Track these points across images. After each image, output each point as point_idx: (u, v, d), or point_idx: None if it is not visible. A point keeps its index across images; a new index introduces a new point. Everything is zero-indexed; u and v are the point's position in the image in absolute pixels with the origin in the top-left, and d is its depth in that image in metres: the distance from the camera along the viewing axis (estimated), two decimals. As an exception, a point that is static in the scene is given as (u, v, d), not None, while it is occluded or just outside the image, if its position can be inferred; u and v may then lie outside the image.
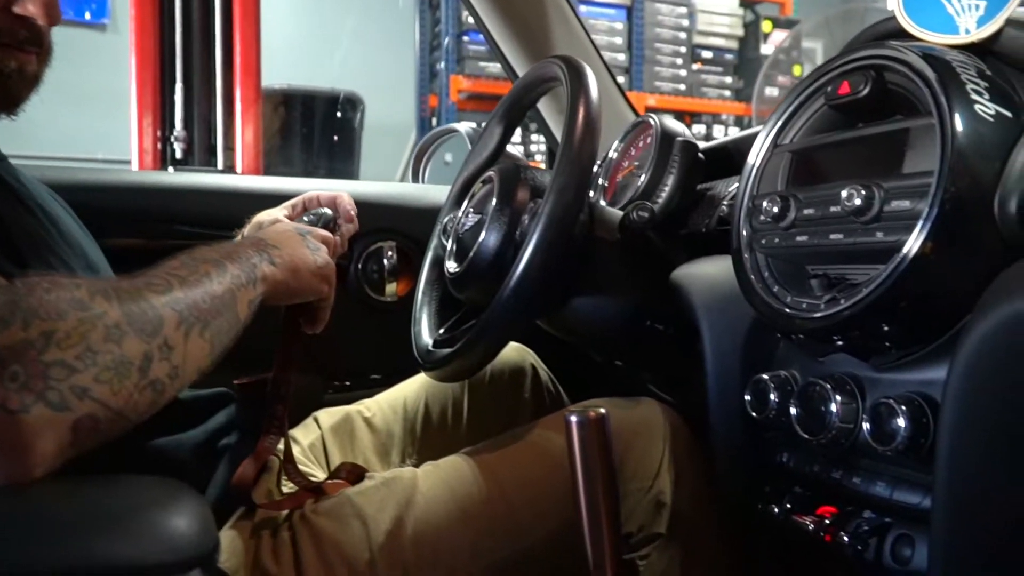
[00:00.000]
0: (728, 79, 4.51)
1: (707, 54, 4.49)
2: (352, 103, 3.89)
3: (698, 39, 4.48)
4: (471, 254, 0.88)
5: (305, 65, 4.22)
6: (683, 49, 4.44)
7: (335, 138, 3.84)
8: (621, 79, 4.23)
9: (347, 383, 1.29)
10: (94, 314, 0.50)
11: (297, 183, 1.32)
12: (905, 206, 0.60)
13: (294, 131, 3.80)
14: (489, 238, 0.87)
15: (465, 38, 4.09)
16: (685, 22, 4.45)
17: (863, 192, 0.62)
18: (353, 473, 0.78)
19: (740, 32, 4.55)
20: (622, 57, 4.30)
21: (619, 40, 4.32)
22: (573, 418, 0.59)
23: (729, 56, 4.53)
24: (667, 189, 0.92)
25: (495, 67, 4.01)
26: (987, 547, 0.56)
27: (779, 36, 4.54)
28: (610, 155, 1.06)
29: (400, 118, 4.50)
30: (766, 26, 4.52)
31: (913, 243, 0.58)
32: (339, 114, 3.87)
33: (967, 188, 0.57)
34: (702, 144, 1.00)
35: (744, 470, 0.77)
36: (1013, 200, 0.57)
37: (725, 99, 4.49)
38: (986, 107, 0.59)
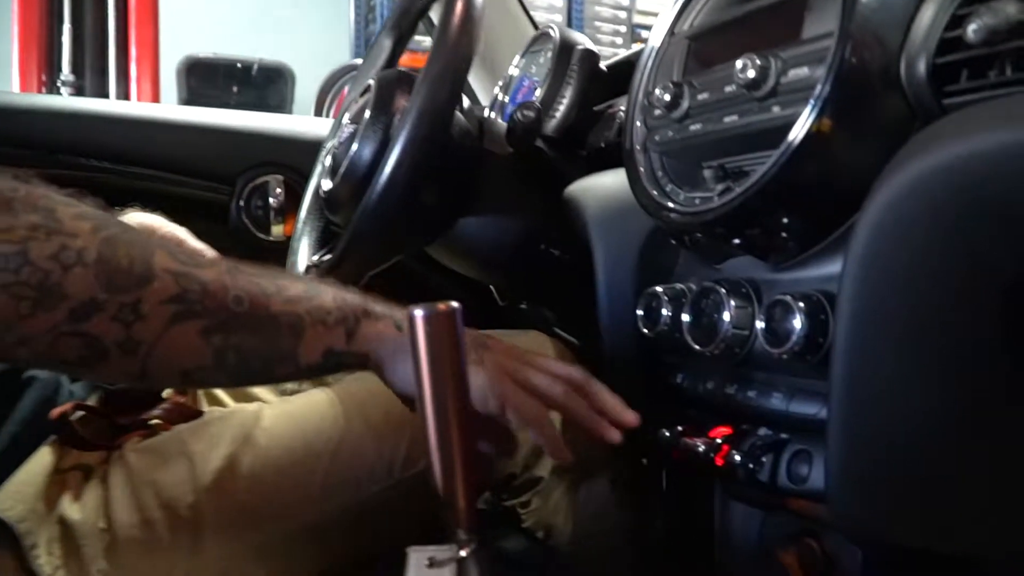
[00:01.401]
0: (668, 59, 4.48)
1: (647, 33, 4.44)
2: (281, 74, 3.74)
3: (638, 19, 4.43)
4: (343, 168, 0.78)
5: (235, 36, 4.03)
6: (623, 28, 4.40)
7: (264, 109, 3.68)
8: (561, 56, 4.15)
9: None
10: (54, 227, 0.42)
11: (201, 112, 1.21)
12: (803, 74, 0.53)
13: (220, 101, 3.62)
14: (363, 149, 0.77)
15: (401, 10, 3.96)
16: (625, 1, 4.40)
17: (758, 62, 0.54)
18: (181, 414, 0.68)
19: (680, 12, 4.52)
20: (562, 34, 4.23)
21: (559, 17, 4.24)
22: (418, 312, 0.50)
23: (669, 36, 4.49)
24: (565, 101, 0.84)
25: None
26: (887, 457, 0.48)
27: (719, 18, 4.51)
28: (510, 72, 0.97)
29: (335, 93, 4.34)
30: (706, 7, 4.50)
31: (809, 114, 0.51)
32: (268, 85, 3.72)
33: (870, 49, 0.50)
34: (608, 60, 0.92)
35: (638, 397, 0.69)
36: (922, 60, 0.50)
37: (665, 79, 4.46)
38: (892, -43, 0.52)
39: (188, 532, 0.59)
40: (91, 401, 0.67)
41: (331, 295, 0.53)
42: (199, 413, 0.68)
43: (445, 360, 0.51)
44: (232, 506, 0.60)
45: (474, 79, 1.24)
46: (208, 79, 3.63)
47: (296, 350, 0.50)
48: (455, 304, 0.52)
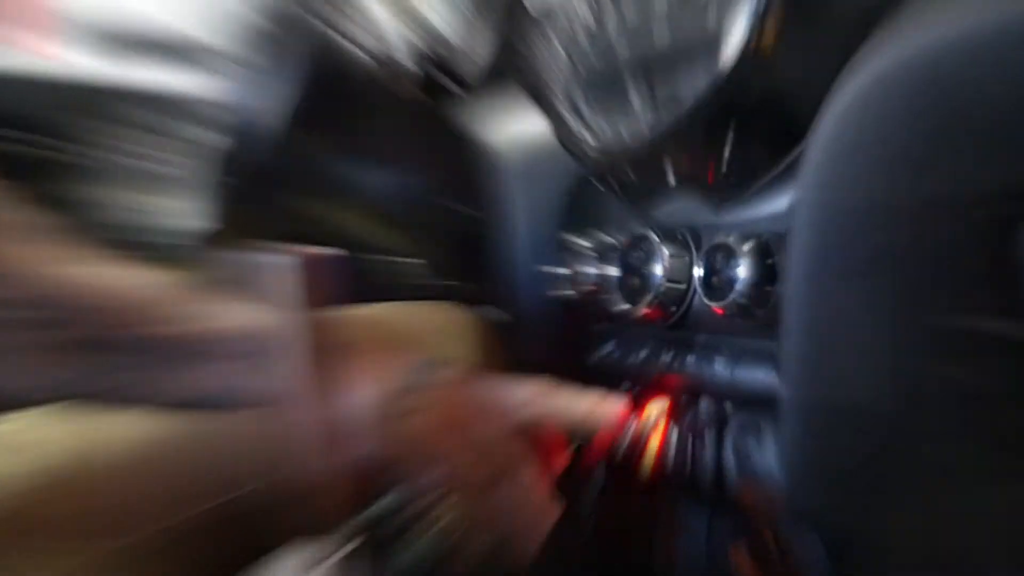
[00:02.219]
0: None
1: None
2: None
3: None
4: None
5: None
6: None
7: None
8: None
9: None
10: None
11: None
12: (742, -30, 0.44)
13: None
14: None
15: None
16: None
17: (689, -41, 0.45)
18: None
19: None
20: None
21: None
22: (270, 259, 0.40)
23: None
24: (483, 41, 0.74)
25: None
26: (848, 429, 0.40)
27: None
28: (425, 13, 0.87)
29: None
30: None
31: (748, 20, 0.42)
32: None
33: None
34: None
35: (563, 372, 0.60)
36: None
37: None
38: None
39: (11, 544, 0.47)
40: None
41: (246, 317, 0.42)
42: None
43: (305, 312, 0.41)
44: (69, 511, 0.49)
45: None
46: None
47: (181, 382, 0.41)
48: (328, 250, 0.42)
